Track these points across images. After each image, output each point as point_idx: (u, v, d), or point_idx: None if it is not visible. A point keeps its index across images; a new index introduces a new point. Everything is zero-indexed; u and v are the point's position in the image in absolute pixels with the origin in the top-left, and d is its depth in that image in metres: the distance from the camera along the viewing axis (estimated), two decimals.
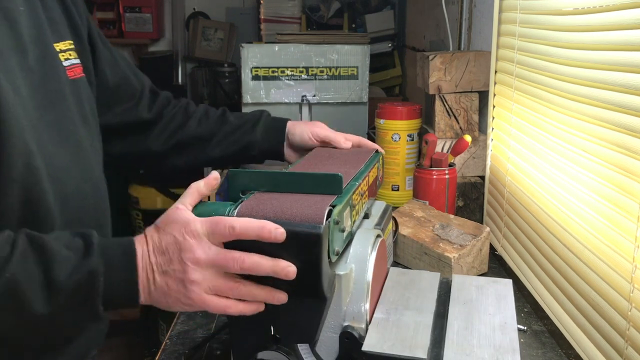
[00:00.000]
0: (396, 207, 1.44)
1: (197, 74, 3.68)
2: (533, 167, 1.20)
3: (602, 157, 0.91)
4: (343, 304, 0.76)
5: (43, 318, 0.67)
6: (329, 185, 0.81)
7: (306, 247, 0.70)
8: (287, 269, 0.69)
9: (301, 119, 1.98)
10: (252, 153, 1.19)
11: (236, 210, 0.76)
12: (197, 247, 0.70)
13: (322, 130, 1.16)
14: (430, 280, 0.94)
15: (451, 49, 1.97)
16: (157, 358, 0.98)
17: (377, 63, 2.95)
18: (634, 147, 0.81)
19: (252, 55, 1.91)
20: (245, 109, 1.97)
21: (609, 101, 0.88)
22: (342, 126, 1.99)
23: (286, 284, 0.71)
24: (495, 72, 1.43)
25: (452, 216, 1.34)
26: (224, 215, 0.75)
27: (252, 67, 1.92)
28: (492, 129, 1.46)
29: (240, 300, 0.73)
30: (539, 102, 1.16)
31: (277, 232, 0.69)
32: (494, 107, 1.45)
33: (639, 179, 0.81)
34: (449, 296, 0.89)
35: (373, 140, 1.77)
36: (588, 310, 0.94)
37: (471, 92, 1.62)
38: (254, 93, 1.93)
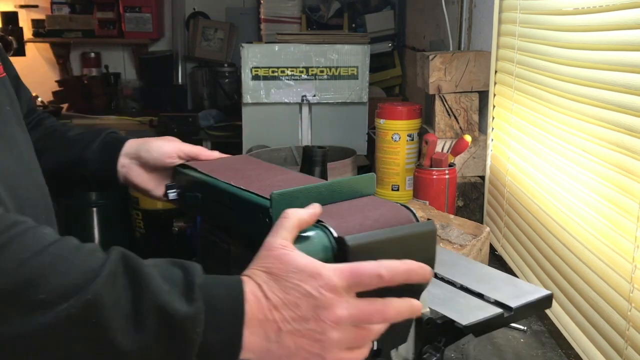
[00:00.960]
0: None
1: (197, 74, 3.68)
2: (533, 167, 1.20)
3: (602, 157, 0.91)
4: None
5: (124, 356, 0.56)
6: (367, 186, 0.79)
7: (426, 246, 0.69)
8: (419, 307, 0.65)
9: (301, 119, 1.98)
10: (84, 172, 1.00)
11: (335, 235, 0.67)
12: (337, 305, 0.60)
13: (185, 145, 1.00)
14: None
15: (451, 49, 1.97)
16: None
17: (377, 63, 2.95)
18: (634, 147, 0.81)
19: (252, 55, 1.91)
20: (245, 109, 1.97)
21: (609, 101, 0.88)
22: (342, 126, 2.01)
23: (398, 292, 0.66)
24: (495, 72, 1.43)
25: (452, 216, 1.34)
26: (327, 245, 0.66)
27: (252, 67, 1.92)
28: (492, 129, 1.46)
29: None
30: (539, 102, 1.16)
31: (424, 271, 0.63)
32: (494, 107, 1.45)
33: (639, 179, 0.81)
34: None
35: (373, 140, 1.77)
36: (588, 310, 0.94)
37: (471, 92, 1.62)
38: (254, 93, 1.93)
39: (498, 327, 0.77)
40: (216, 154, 1.00)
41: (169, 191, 0.96)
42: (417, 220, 0.72)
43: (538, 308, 0.80)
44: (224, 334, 0.59)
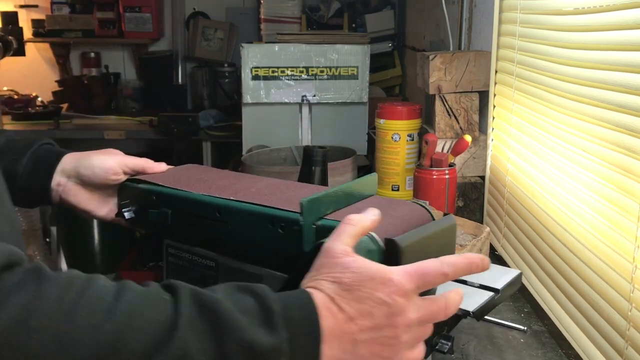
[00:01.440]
0: None
1: (197, 74, 3.68)
2: (533, 167, 1.20)
3: (602, 157, 0.91)
4: None
5: None
6: (371, 186, 0.80)
7: (451, 239, 0.72)
8: (463, 293, 0.65)
9: (301, 119, 1.98)
10: (11, 188, 0.83)
11: (379, 240, 0.67)
12: (408, 309, 0.60)
13: (128, 158, 0.92)
14: None
15: (451, 49, 1.97)
16: None
17: (377, 63, 2.95)
18: (634, 147, 0.81)
19: (252, 55, 1.91)
20: (245, 109, 1.97)
21: (609, 101, 0.88)
22: (342, 126, 2.00)
23: None
24: (496, 72, 1.43)
25: None
26: (373, 248, 0.66)
27: (252, 67, 1.92)
28: (492, 129, 1.46)
29: None
30: (539, 102, 1.16)
31: (484, 263, 0.64)
32: (494, 107, 1.45)
33: (639, 178, 0.81)
34: None
35: (373, 140, 1.77)
36: (588, 310, 0.94)
37: (471, 92, 1.62)
38: (254, 93, 1.93)
39: (492, 309, 0.79)
40: (164, 166, 0.94)
41: (124, 210, 0.88)
42: (432, 215, 0.74)
43: (514, 287, 0.82)
44: (305, 356, 0.57)
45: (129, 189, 0.90)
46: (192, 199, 0.82)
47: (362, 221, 0.65)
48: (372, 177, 0.80)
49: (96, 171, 0.89)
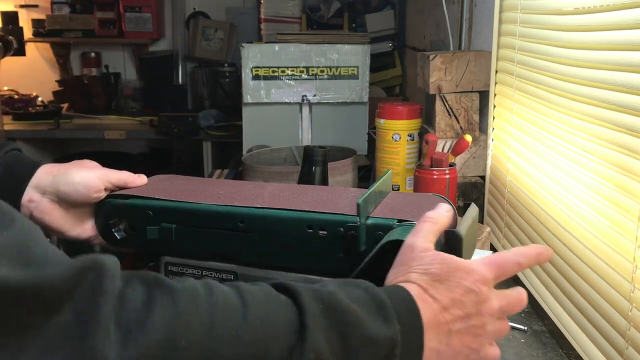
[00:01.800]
0: None
1: (197, 73, 3.68)
2: (534, 167, 1.20)
3: (602, 157, 0.91)
4: None
5: None
6: (389, 184, 0.83)
7: (476, 226, 0.75)
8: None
9: (301, 119, 1.98)
10: None
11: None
12: (491, 297, 0.61)
13: (110, 172, 0.84)
14: None
15: (451, 48, 1.97)
16: None
17: (377, 63, 2.95)
18: (635, 147, 0.81)
19: (253, 55, 1.91)
20: (245, 109, 1.97)
21: (609, 101, 0.88)
22: (342, 126, 2.00)
23: None
24: (496, 72, 1.43)
25: None
26: (435, 243, 0.67)
27: (253, 67, 1.92)
28: (493, 128, 1.46)
29: None
30: (540, 102, 1.16)
31: (549, 252, 0.66)
32: (494, 107, 1.45)
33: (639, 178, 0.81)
34: None
35: (374, 140, 1.77)
36: (589, 310, 0.94)
37: (472, 92, 1.62)
38: (254, 93, 1.93)
39: None
40: (144, 178, 0.87)
41: (114, 230, 0.81)
42: (453, 207, 0.77)
43: None
44: (412, 348, 0.58)
45: (114, 207, 0.82)
46: (203, 210, 0.78)
47: (440, 218, 0.67)
48: (390, 175, 0.83)
49: (78, 188, 0.80)
